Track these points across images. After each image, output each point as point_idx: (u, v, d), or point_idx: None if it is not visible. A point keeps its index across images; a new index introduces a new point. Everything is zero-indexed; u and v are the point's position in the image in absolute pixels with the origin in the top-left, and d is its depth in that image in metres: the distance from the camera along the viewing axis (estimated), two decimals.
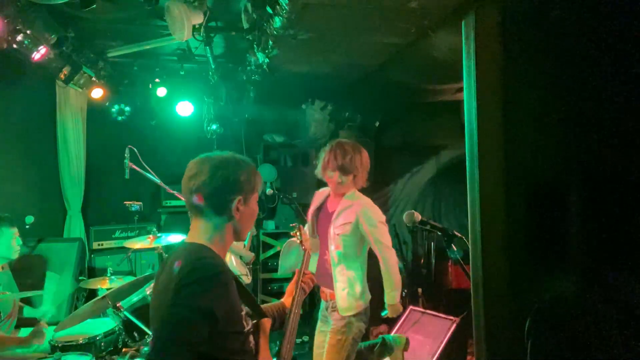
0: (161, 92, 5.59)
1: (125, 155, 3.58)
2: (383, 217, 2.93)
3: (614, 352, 1.93)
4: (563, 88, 2.22)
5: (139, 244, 3.94)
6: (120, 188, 5.07)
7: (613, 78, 2.00)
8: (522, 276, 2.32)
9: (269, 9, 2.99)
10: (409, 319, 4.07)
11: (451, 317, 3.73)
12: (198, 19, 3.35)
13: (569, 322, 2.14)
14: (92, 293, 4.28)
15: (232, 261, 4.63)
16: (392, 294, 2.91)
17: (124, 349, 3.32)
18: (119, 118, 5.76)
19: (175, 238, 4.00)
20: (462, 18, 2.50)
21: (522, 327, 2.21)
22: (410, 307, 4.18)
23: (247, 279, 4.55)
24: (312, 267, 3.00)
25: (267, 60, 3.82)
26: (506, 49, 2.35)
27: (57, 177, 5.34)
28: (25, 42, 3.54)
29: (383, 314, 3.04)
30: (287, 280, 4.54)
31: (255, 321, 1.66)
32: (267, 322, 1.70)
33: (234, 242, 5.07)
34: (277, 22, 3.02)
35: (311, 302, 4.80)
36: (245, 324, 1.55)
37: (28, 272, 4.28)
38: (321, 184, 3.19)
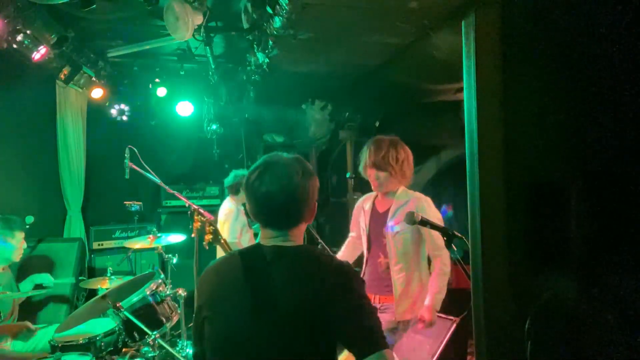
0: (161, 92, 5.59)
1: (125, 155, 3.58)
2: (439, 214, 2.81)
3: (614, 352, 1.93)
4: (563, 88, 2.22)
5: (139, 244, 3.94)
6: (120, 188, 5.07)
7: (613, 78, 2.00)
8: (522, 276, 2.32)
9: (269, 9, 2.99)
10: None
11: (451, 317, 3.73)
12: (198, 19, 3.35)
13: (569, 322, 2.14)
14: (92, 293, 4.28)
15: None
16: (438, 297, 2.75)
17: (124, 349, 3.31)
18: (119, 118, 5.77)
19: (175, 238, 4.00)
20: (462, 18, 2.50)
21: (522, 327, 2.21)
22: None
23: None
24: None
25: (267, 60, 3.82)
26: (506, 48, 2.35)
27: (57, 177, 5.34)
28: (25, 42, 3.55)
29: None
30: None
31: None
32: None
33: (248, 244, 5.07)
34: (277, 22, 3.02)
35: None
36: None
37: (28, 272, 4.28)
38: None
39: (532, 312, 2.21)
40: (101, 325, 3.37)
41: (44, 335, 3.29)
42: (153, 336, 2.84)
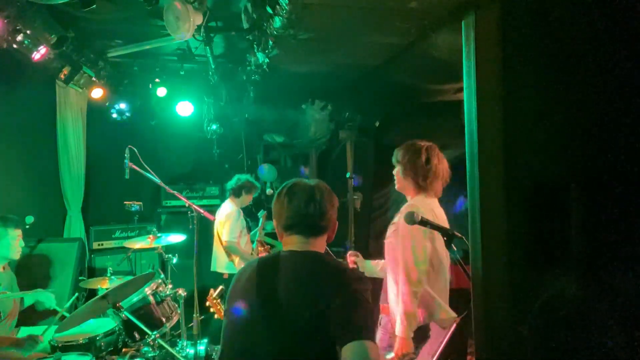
0: (161, 92, 5.59)
1: (125, 155, 3.59)
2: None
3: (614, 352, 1.93)
4: (563, 88, 2.22)
5: (139, 244, 3.94)
6: (120, 188, 5.07)
7: (614, 78, 2.00)
8: (522, 276, 2.32)
9: (269, 9, 2.99)
10: None
11: None
12: (198, 19, 3.35)
13: (569, 322, 2.14)
14: (92, 293, 4.28)
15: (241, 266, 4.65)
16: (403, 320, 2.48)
17: (124, 349, 3.32)
18: (119, 118, 5.77)
19: (175, 238, 4.01)
20: (462, 18, 2.50)
21: (522, 327, 2.21)
22: None
23: None
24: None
25: (267, 60, 3.82)
26: (506, 48, 2.35)
27: (57, 177, 5.34)
28: (25, 42, 3.55)
29: None
30: None
31: None
32: None
33: (244, 248, 5.07)
34: (277, 22, 3.02)
35: None
36: None
37: (28, 272, 4.28)
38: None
39: (532, 312, 2.21)
40: (101, 325, 3.38)
41: (44, 335, 3.29)
42: (153, 336, 2.85)
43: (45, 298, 3.40)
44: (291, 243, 1.68)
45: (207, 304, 3.01)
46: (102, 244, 5.50)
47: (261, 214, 5.01)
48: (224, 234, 4.60)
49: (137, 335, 2.98)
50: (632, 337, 1.87)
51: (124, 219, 5.44)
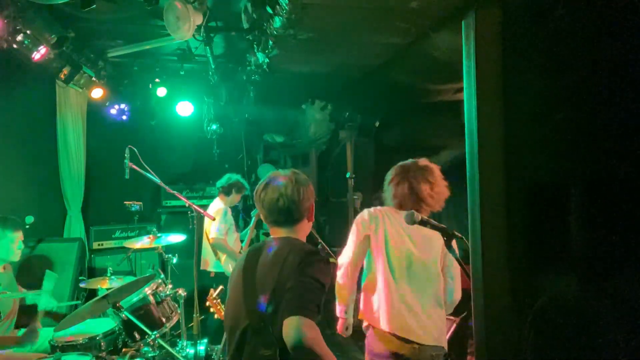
0: (161, 92, 5.59)
1: (125, 155, 3.58)
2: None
3: (615, 352, 1.93)
4: (563, 88, 2.22)
5: (139, 244, 3.94)
6: (120, 188, 5.07)
7: (613, 78, 2.00)
8: (522, 276, 2.32)
9: (269, 9, 2.99)
10: None
11: (451, 317, 3.72)
12: (198, 19, 3.36)
13: (569, 322, 2.14)
14: (92, 293, 4.28)
15: (227, 265, 4.64)
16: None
17: (123, 349, 3.32)
18: (119, 118, 5.77)
19: (175, 238, 4.00)
20: (462, 18, 2.50)
21: (522, 327, 2.21)
22: None
23: None
24: None
25: (267, 60, 3.82)
26: (506, 48, 2.35)
27: (57, 177, 5.34)
28: (25, 42, 3.55)
29: None
30: None
31: None
32: None
33: (232, 246, 5.05)
34: (277, 22, 3.02)
35: None
36: None
37: (28, 272, 4.28)
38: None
39: (532, 312, 2.21)
40: (101, 325, 3.37)
41: (44, 335, 3.29)
42: (153, 336, 2.85)
43: (45, 299, 3.39)
44: (273, 232, 1.92)
45: (207, 304, 3.01)
46: (102, 244, 5.50)
47: (254, 212, 5.01)
48: (211, 231, 4.60)
49: (137, 335, 2.98)
50: (633, 335, 1.87)
51: (124, 219, 5.44)
